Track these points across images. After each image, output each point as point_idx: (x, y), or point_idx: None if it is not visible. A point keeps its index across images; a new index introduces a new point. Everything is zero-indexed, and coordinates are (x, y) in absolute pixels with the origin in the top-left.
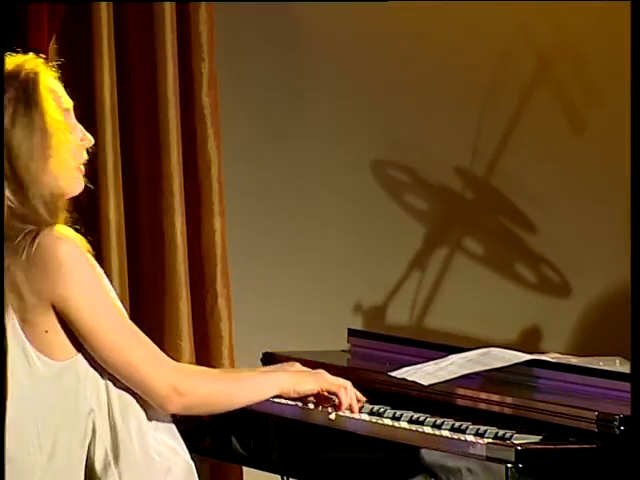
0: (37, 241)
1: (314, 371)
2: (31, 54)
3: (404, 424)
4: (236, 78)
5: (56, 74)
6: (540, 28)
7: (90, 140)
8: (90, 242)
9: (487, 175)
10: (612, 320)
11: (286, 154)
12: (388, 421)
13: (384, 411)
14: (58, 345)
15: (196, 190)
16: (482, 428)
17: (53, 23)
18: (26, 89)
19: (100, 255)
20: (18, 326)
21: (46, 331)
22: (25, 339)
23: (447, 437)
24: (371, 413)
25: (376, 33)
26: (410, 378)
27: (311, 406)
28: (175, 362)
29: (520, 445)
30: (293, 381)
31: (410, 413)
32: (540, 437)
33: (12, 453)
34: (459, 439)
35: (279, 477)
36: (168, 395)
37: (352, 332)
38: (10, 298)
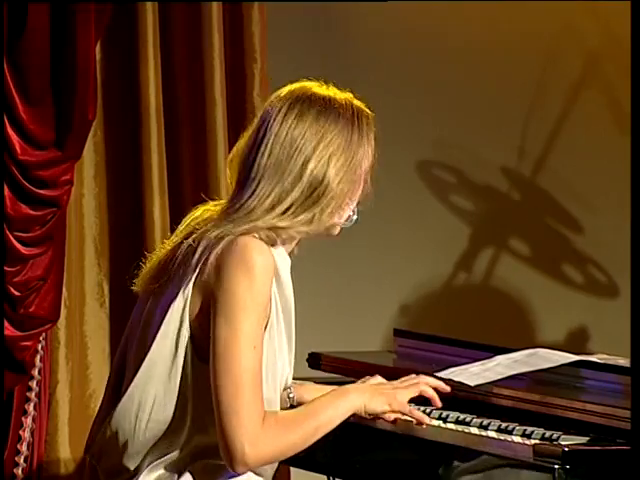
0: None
1: (390, 388)
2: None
3: (450, 425)
4: (286, 78)
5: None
6: (587, 27)
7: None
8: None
9: (533, 175)
10: None
11: None
12: (434, 422)
13: (430, 412)
14: None
15: None
16: (529, 429)
17: (100, 23)
18: (360, 125)
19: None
20: None
21: None
22: None
23: (494, 438)
24: None
25: (424, 33)
26: (456, 379)
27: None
28: (258, 425)
29: (567, 446)
30: (363, 399)
31: (456, 414)
32: (587, 438)
33: None
34: (506, 440)
35: (325, 477)
36: (237, 458)
37: (398, 332)
38: None
